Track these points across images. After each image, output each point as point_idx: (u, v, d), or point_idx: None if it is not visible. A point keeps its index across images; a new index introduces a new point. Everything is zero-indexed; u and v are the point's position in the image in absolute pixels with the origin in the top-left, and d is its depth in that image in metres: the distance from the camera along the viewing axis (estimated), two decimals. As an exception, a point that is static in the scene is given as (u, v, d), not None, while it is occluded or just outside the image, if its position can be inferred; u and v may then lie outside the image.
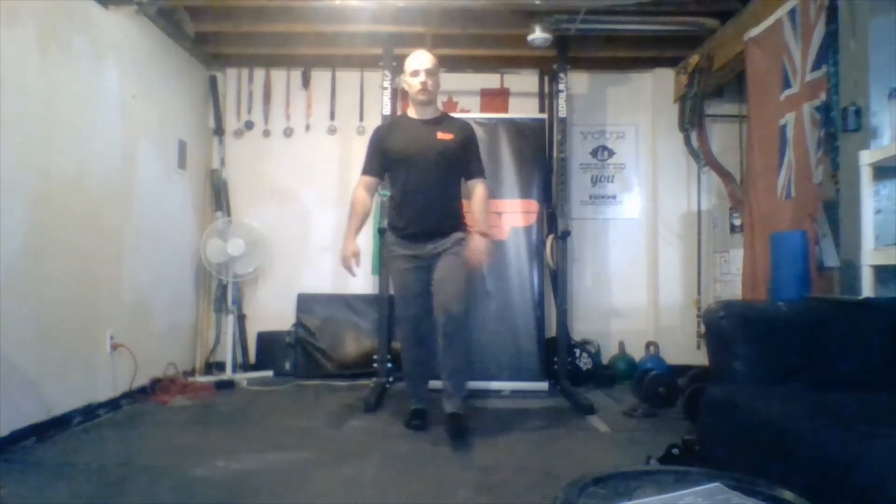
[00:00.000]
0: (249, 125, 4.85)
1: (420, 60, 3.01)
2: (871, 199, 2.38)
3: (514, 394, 3.99)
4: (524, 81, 4.83)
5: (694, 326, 4.57)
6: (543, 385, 4.07)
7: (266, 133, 4.85)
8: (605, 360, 4.61)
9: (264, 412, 3.51)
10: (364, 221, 3.09)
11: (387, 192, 4.20)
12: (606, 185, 4.90)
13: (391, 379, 4.06)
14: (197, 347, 4.59)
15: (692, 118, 4.29)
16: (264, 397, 3.92)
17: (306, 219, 4.82)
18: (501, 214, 4.35)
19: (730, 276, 4.03)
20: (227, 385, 4.14)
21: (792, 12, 3.07)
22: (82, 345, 3.20)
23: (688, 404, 3.12)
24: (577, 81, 4.82)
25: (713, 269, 4.40)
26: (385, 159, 3.08)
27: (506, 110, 4.82)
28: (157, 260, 3.98)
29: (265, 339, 4.70)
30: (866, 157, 2.37)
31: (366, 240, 4.64)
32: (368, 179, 3.11)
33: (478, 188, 3.08)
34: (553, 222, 4.32)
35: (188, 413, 3.46)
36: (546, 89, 4.72)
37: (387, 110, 4.30)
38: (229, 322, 4.52)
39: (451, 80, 4.82)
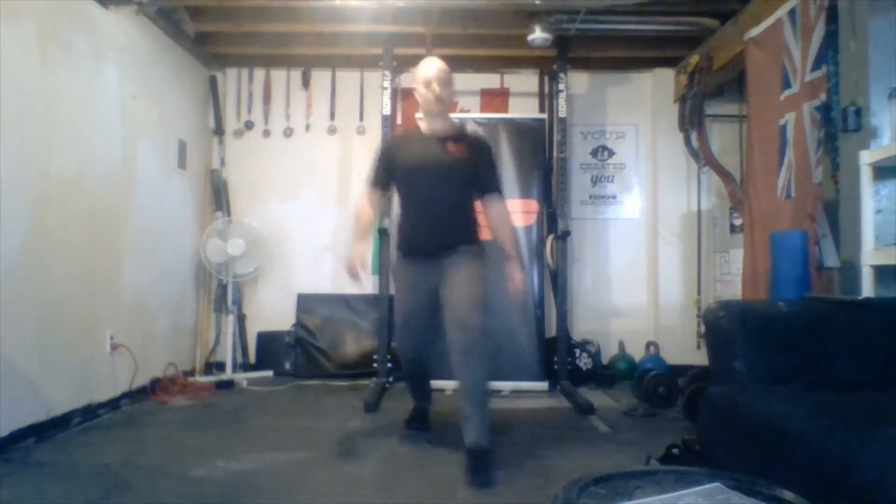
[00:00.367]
0: (249, 125, 4.85)
1: (433, 69, 2.79)
2: (871, 199, 2.38)
3: (514, 393, 3.99)
4: (524, 81, 4.83)
5: (694, 326, 4.57)
6: (543, 385, 4.07)
7: (266, 133, 4.85)
8: (605, 360, 4.61)
9: (264, 412, 3.51)
10: (370, 230, 2.93)
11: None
12: (606, 185, 4.90)
13: (391, 379, 4.06)
14: (197, 347, 4.59)
15: (692, 118, 4.29)
16: (264, 397, 3.92)
17: (306, 219, 4.82)
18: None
19: (730, 276, 4.03)
20: (227, 385, 4.14)
21: (792, 12, 3.06)
22: (82, 345, 3.20)
23: (688, 404, 3.12)
24: (577, 81, 4.82)
25: (713, 269, 4.40)
26: (393, 175, 2.88)
27: (506, 110, 4.82)
28: (157, 260, 3.99)
29: (265, 339, 4.70)
30: (866, 157, 2.37)
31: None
32: (373, 191, 2.91)
33: (495, 205, 2.80)
34: (553, 222, 4.33)
35: (188, 413, 3.46)
36: (546, 89, 4.72)
37: (387, 110, 4.30)
38: (229, 322, 4.52)
39: (451, 80, 4.83)
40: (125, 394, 3.53)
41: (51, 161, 2.93)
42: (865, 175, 2.37)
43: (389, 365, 4.10)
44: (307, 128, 4.86)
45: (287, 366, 4.60)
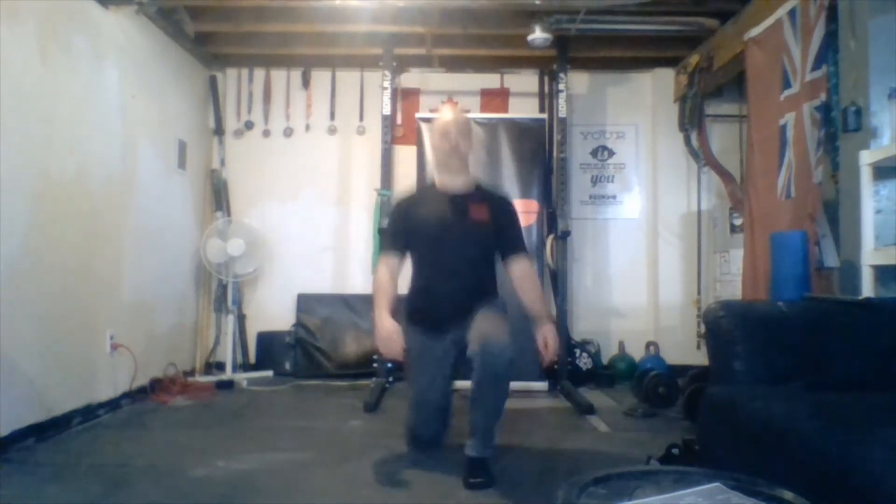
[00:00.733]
0: (249, 125, 4.85)
1: (450, 117, 2.61)
2: (871, 199, 2.38)
3: (514, 394, 3.97)
4: (524, 81, 4.83)
5: (694, 326, 4.57)
6: (543, 385, 4.07)
7: (266, 133, 4.85)
8: (605, 360, 4.61)
9: (264, 412, 3.51)
10: (392, 303, 2.54)
11: (386, 192, 4.23)
12: (606, 185, 4.90)
13: (391, 379, 4.05)
14: (197, 347, 4.59)
15: (692, 118, 4.29)
16: (264, 397, 3.92)
17: (306, 219, 4.82)
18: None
19: (730, 276, 4.03)
20: (227, 385, 4.14)
21: (792, 12, 3.07)
22: (82, 345, 3.20)
23: (688, 404, 3.12)
24: (577, 81, 4.81)
25: (713, 269, 4.39)
26: (408, 238, 2.64)
27: (506, 110, 4.82)
28: (157, 260, 3.98)
29: (265, 339, 4.70)
30: (866, 157, 2.37)
31: (366, 242, 4.66)
32: (391, 259, 2.61)
33: (520, 266, 2.59)
34: (553, 222, 4.32)
35: (188, 413, 3.46)
36: (546, 89, 4.72)
37: (387, 110, 4.31)
38: (229, 322, 4.52)
39: (452, 80, 4.83)
40: (125, 394, 3.53)
41: (51, 161, 2.93)
42: (865, 175, 2.37)
43: (389, 365, 4.10)
44: (307, 128, 4.86)
45: (287, 366, 4.60)
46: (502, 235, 2.62)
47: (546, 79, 4.71)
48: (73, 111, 3.10)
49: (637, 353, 4.58)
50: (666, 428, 3.09)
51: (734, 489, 1.16)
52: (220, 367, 4.44)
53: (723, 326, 2.00)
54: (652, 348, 4.57)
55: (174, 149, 4.23)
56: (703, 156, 4.32)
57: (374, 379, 4.04)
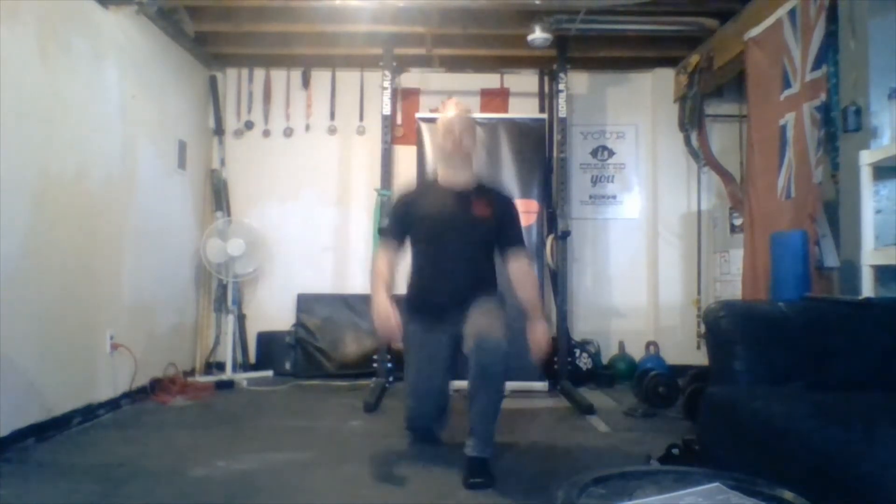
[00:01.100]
0: (249, 125, 4.85)
1: (453, 113, 2.65)
2: (871, 199, 2.38)
3: (514, 394, 3.98)
4: (524, 81, 4.83)
5: (694, 326, 4.57)
6: (543, 385, 4.07)
7: (266, 133, 4.85)
8: (605, 360, 4.61)
9: (264, 412, 3.51)
10: (389, 288, 2.57)
11: (386, 192, 4.23)
12: (606, 185, 4.90)
13: (391, 379, 4.06)
14: (197, 347, 4.59)
15: (692, 118, 4.29)
16: (264, 397, 3.92)
17: (306, 219, 4.82)
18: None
19: (730, 276, 4.03)
20: (227, 385, 4.14)
21: (792, 12, 3.07)
22: (82, 345, 3.20)
23: (688, 404, 3.12)
24: (577, 81, 4.82)
25: (713, 269, 4.39)
26: (409, 231, 2.70)
27: (506, 110, 4.82)
28: (157, 260, 3.98)
29: (265, 339, 4.70)
30: (866, 157, 2.37)
31: (366, 242, 4.66)
32: (388, 248, 2.68)
33: (518, 263, 2.64)
34: (553, 222, 4.33)
35: (188, 413, 3.46)
36: (546, 89, 4.72)
37: (387, 110, 4.31)
38: (229, 322, 4.52)
39: (452, 80, 4.83)
40: (125, 394, 3.53)
41: (51, 161, 2.93)
42: (865, 175, 2.37)
43: (389, 365, 4.10)
44: (307, 128, 4.86)
45: (287, 366, 4.60)
46: (502, 231, 2.66)
47: (546, 79, 4.71)
48: (73, 111, 3.10)
49: (637, 353, 4.58)
50: (666, 428, 3.09)
51: (734, 489, 1.15)
52: (220, 367, 4.44)
53: (723, 326, 2.00)
54: (652, 348, 4.57)
55: (174, 149, 4.23)
56: (703, 156, 4.32)
57: (374, 379, 4.04)
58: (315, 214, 4.83)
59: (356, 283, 4.75)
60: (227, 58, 4.76)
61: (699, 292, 4.60)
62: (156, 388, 3.77)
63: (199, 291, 4.62)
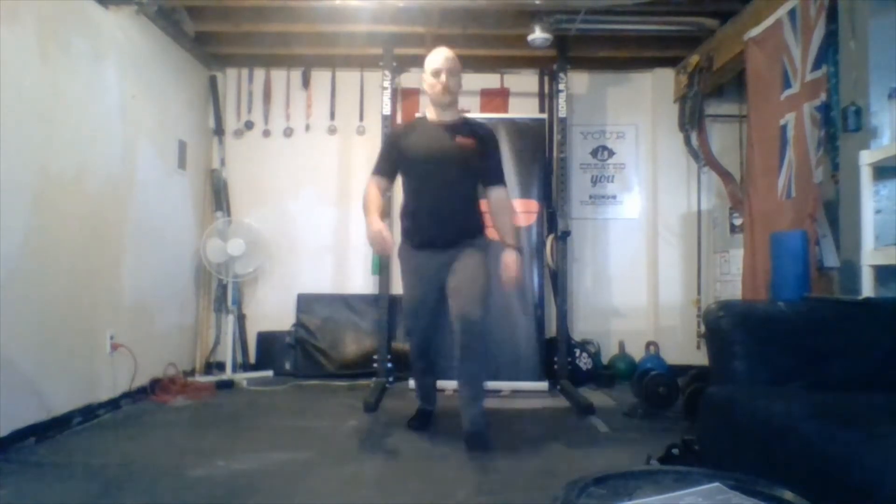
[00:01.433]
0: (249, 125, 4.85)
1: (441, 59, 2.84)
2: (871, 199, 2.38)
3: (514, 394, 3.99)
4: (524, 81, 4.83)
5: (694, 326, 4.57)
6: (543, 385, 4.07)
7: (266, 133, 4.85)
8: (605, 360, 4.61)
9: (264, 412, 3.51)
10: (381, 210, 2.83)
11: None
12: (606, 185, 4.90)
13: (391, 379, 4.06)
14: (197, 347, 4.59)
15: (692, 118, 4.29)
16: (264, 397, 3.92)
17: (306, 219, 4.82)
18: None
19: (730, 276, 4.03)
20: (227, 385, 4.14)
21: (792, 12, 3.07)
22: (82, 345, 3.20)
23: (688, 404, 3.12)
24: (577, 81, 4.82)
25: (713, 269, 4.40)
26: (399, 163, 2.92)
27: (506, 110, 4.82)
28: (157, 260, 3.98)
29: (265, 339, 4.70)
30: (866, 157, 2.37)
31: (366, 242, 4.64)
32: (379, 180, 2.91)
33: (498, 196, 2.89)
34: (553, 222, 4.33)
35: (188, 413, 3.46)
36: (546, 89, 4.72)
37: (387, 110, 4.30)
38: (229, 322, 4.52)
39: (451, 80, 4.83)
40: (125, 394, 3.53)
41: (51, 161, 2.93)
42: (865, 175, 2.37)
43: (389, 365, 4.10)
44: (307, 128, 4.86)
45: (287, 366, 4.60)
46: (484, 162, 2.89)
47: (546, 79, 4.71)
48: (73, 111, 3.10)
49: (637, 353, 4.58)
50: (666, 428, 3.09)
51: (734, 489, 1.15)
52: (220, 367, 4.44)
53: (723, 326, 2.00)
54: (652, 348, 4.57)
55: (174, 149, 4.23)
56: (703, 156, 4.31)
57: (373, 379, 4.04)
58: (315, 214, 4.83)
59: (356, 283, 4.75)
60: (227, 58, 4.77)
61: (699, 292, 4.61)
62: (156, 388, 3.77)
63: (199, 291, 4.62)
